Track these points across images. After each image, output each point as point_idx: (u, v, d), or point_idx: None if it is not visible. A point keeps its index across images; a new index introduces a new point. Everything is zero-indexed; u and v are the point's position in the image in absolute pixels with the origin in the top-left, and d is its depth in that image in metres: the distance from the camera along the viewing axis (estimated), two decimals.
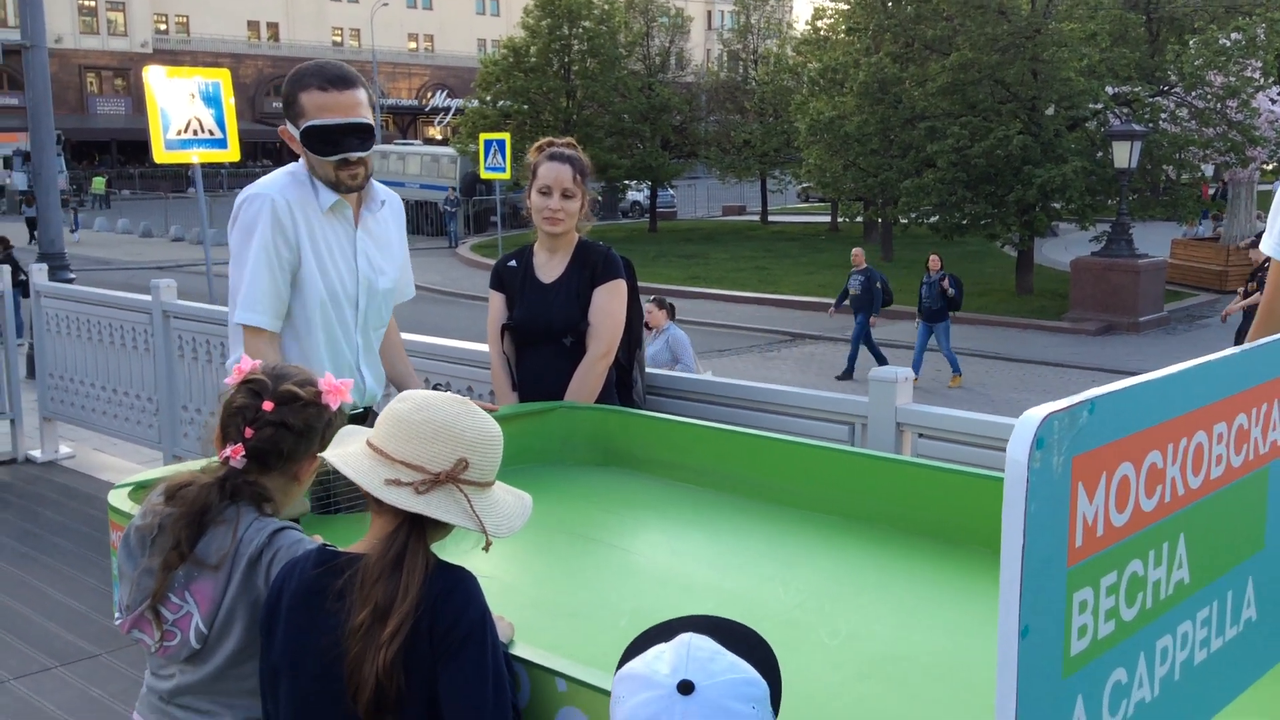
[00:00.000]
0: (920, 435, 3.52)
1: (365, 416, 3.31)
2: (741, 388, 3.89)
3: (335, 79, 2.94)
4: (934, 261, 15.18)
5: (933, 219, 23.29)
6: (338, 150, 2.94)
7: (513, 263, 3.71)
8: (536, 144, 3.66)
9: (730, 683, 1.38)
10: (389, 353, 3.40)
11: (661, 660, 1.40)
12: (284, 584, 1.79)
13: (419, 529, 1.71)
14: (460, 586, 1.70)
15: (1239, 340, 14.09)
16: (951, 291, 14.71)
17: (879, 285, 15.20)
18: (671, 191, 43.45)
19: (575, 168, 3.53)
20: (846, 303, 15.45)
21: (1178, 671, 1.44)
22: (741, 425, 3.36)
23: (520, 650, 1.74)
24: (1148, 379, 1.36)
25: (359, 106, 2.97)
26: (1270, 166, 25.09)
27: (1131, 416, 1.32)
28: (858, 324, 15.29)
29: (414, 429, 1.73)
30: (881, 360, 15.06)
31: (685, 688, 1.35)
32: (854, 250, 16.06)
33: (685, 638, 1.43)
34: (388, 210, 3.25)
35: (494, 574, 2.45)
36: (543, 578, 2.51)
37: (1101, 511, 1.28)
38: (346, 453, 1.77)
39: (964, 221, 22.67)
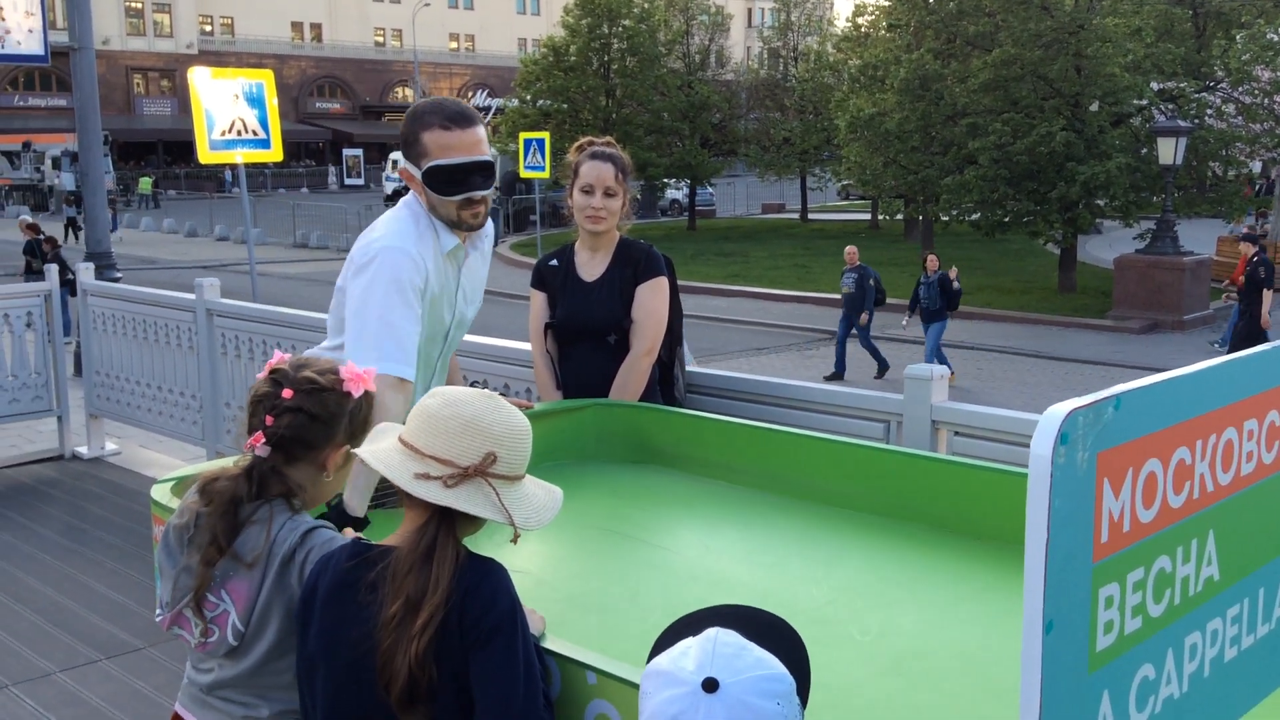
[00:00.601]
0: (956, 433, 3.51)
1: None
2: (779, 385, 3.90)
3: (457, 116, 2.89)
4: (932, 261, 14.80)
5: (974, 216, 23.12)
6: (462, 190, 2.90)
7: (554, 261, 3.73)
8: (576, 143, 3.68)
9: (755, 679, 1.38)
10: None
11: (687, 656, 1.41)
12: (319, 577, 1.83)
13: (449, 522, 1.73)
14: (490, 578, 1.72)
15: (1239, 341, 13.90)
16: (956, 285, 14.48)
17: (872, 283, 14.97)
18: (711, 189, 43.38)
19: (617, 166, 3.55)
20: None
21: (1207, 668, 1.43)
22: (778, 423, 3.36)
23: (551, 643, 1.76)
24: (1175, 375, 1.36)
25: (481, 144, 2.93)
26: None
27: (1159, 413, 1.32)
28: (843, 322, 15.02)
29: (442, 424, 1.75)
30: (842, 365, 14.84)
31: (710, 685, 1.36)
32: (847, 248, 15.79)
33: (712, 633, 1.44)
34: (485, 240, 3.24)
35: (527, 569, 2.48)
36: (575, 573, 2.54)
37: (1128, 507, 1.28)
38: (379, 449, 1.81)
39: (1006, 219, 22.49)
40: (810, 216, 41.11)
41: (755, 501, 2.97)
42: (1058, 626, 1.20)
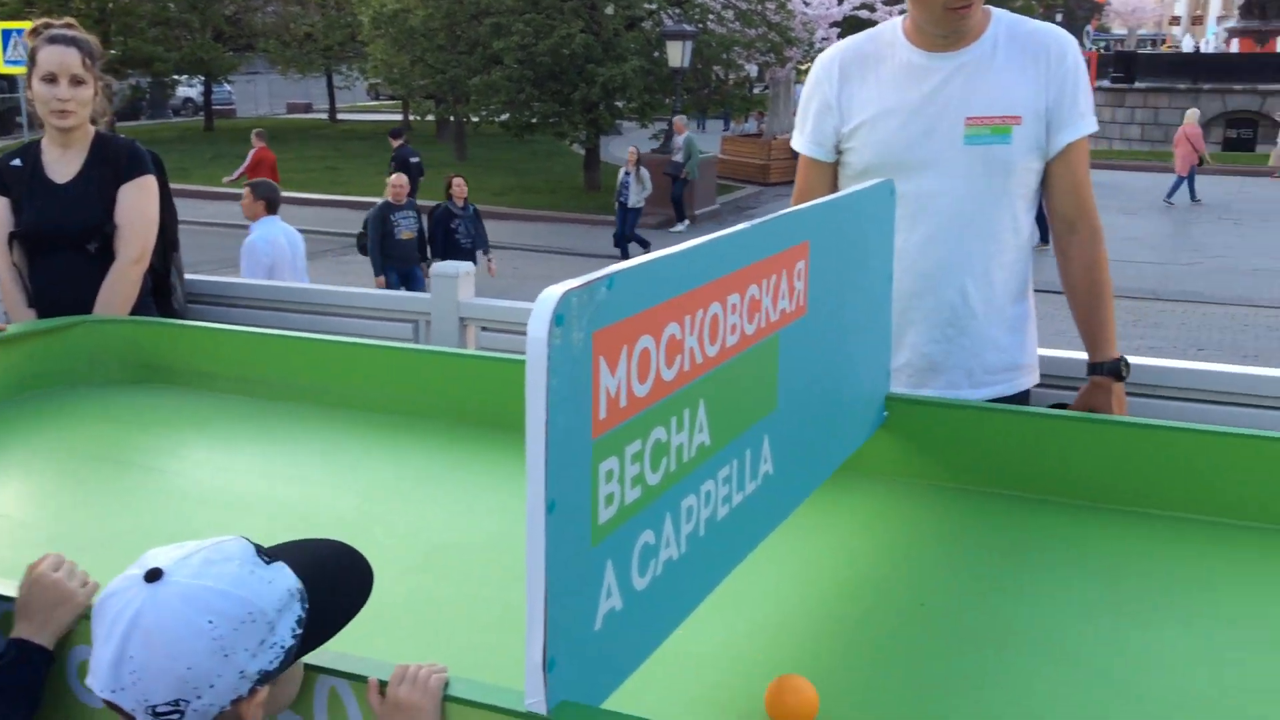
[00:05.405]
0: (483, 329, 3.55)
1: None
2: (295, 290, 3.73)
3: None
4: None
5: (503, 117, 23.42)
6: None
7: (16, 162, 3.28)
8: (30, 26, 3.23)
9: (201, 588, 1.25)
10: None
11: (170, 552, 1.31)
12: None
13: None
14: None
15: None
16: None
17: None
18: (229, 87, 40.68)
19: (83, 50, 3.16)
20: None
21: (703, 528, 1.52)
22: (299, 330, 3.20)
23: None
24: (662, 254, 1.40)
25: None
26: (805, 66, 27.36)
27: (650, 291, 1.35)
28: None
29: None
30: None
31: (153, 575, 1.25)
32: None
33: (215, 540, 1.33)
34: None
35: (5, 512, 2.19)
36: (67, 510, 2.26)
37: (624, 383, 1.31)
38: None
39: (533, 120, 22.97)
40: (340, 116, 39.78)
41: (276, 414, 2.81)
42: (560, 504, 1.22)
